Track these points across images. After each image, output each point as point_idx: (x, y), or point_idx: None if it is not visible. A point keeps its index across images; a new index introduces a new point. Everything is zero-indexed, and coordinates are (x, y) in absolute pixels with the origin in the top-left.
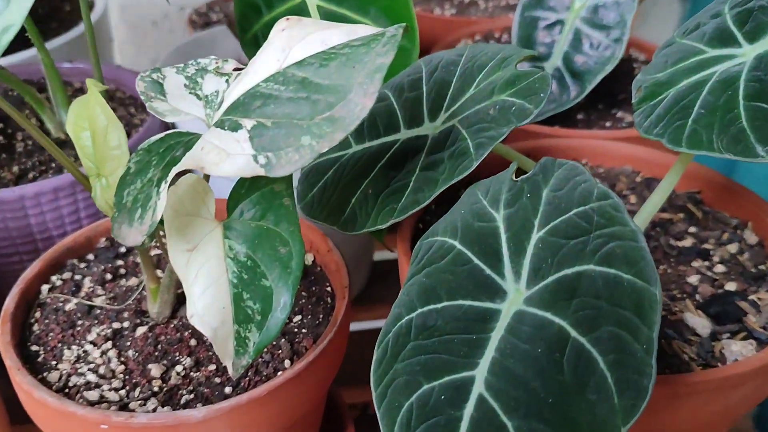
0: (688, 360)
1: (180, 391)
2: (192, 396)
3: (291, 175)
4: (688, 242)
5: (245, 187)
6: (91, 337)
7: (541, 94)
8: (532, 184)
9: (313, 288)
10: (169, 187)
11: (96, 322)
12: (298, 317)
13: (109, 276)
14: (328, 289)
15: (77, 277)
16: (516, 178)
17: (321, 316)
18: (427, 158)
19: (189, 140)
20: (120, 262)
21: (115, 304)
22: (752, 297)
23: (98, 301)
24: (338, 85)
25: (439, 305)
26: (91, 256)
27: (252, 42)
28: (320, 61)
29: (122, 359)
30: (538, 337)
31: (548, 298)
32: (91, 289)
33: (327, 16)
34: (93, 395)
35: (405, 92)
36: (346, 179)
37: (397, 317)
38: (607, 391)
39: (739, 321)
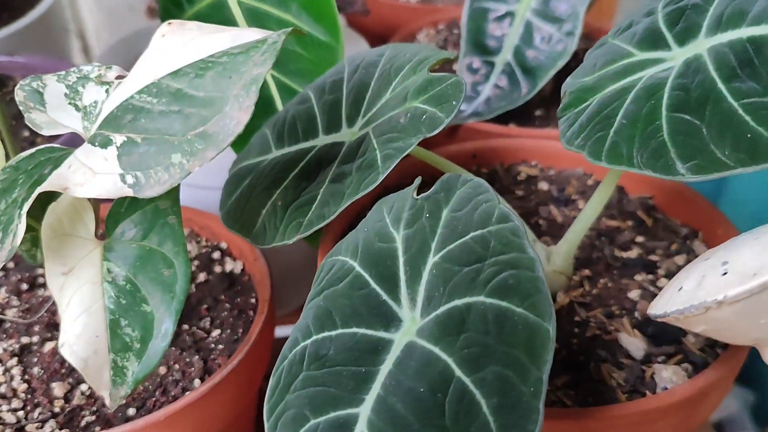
0: (615, 386)
1: (82, 413)
2: (93, 418)
3: (177, 191)
4: (633, 253)
5: (125, 205)
6: None
7: (453, 102)
8: (432, 203)
9: (238, 299)
10: (28, 210)
11: (5, 336)
12: (217, 332)
13: (25, 286)
14: (253, 300)
15: None
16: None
17: (240, 330)
18: (338, 169)
19: (60, 156)
20: (40, 271)
21: (28, 316)
22: None
23: (11, 313)
24: (214, 97)
25: (333, 332)
26: (11, 264)
27: None
28: (196, 71)
29: (26, 377)
30: (423, 374)
31: (437, 331)
32: (6, 300)
33: (249, 12)
34: None
35: (325, 94)
36: (260, 188)
37: (294, 343)
38: None
39: (678, 342)
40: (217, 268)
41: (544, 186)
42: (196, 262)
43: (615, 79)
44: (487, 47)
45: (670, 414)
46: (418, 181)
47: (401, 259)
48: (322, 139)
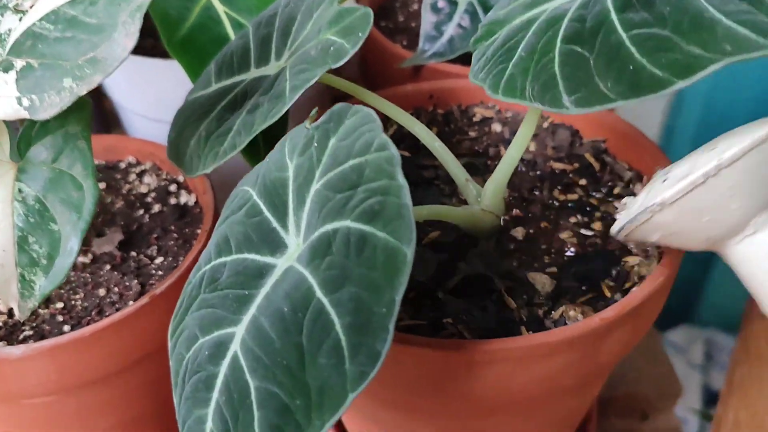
0: (521, 323)
1: (22, 327)
2: (31, 333)
3: (87, 116)
4: (574, 196)
5: (35, 128)
6: None
7: (360, 33)
8: (321, 133)
9: (186, 230)
10: None
11: None
12: (160, 259)
13: None
14: (199, 231)
15: None
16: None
17: (181, 258)
18: (255, 100)
19: None
20: None
21: None
22: (623, 259)
23: None
24: (104, 24)
25: (228, 258)
26: None
27: None
28: None
29: None
30: (289, 295)
31: (309, 255)
32: None
33: None
34: None
35: (261, 28)
36: (192, 119)
37: (197, 268)
38: (339, 355)
39: (596, 284)
40: (172, 200)
41: (497, 128)
42: (153, 194)
43: (523, 11)
44: None
45: (561, 352)
46: (314, 111)
47: (291, 187)
48: (253, 72)
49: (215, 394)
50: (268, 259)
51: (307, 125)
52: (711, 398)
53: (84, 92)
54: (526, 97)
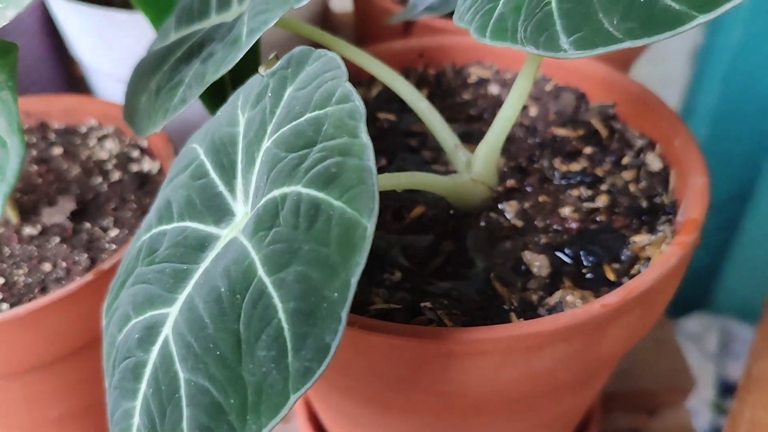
0: (511, 307)
1: None
2: None
3: (13, 62)
4: (577, 166)
5: None
6: None
7: None
8: (277, 80)
9: (147, 200)
10: None
11: None
12: (116, 231)
13: None
14: None
15: None
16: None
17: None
18: (211, 48)
19: None
20: None
21: None
22: (630, 239)
23: None
24: None
25: (168, 226)
26: None
27: None
28: None
29: None
30: (228, 272)
31: (253, 225)
32: None
33: None
34: None
35: None
36: (146, 74)
37: (138, 236)
38: (281, 347)
39: (599, 265)
40: (134, 167)
41: (495, 90)
42: (114, 161)
43: None
44: None
45: (555, 343)
46: (272, 55)
47: (240, 145)
48: (213, 20)
49: (143, 386)
50: (211, 229)
51: (262, 72)
52: (725, 390)
53: None
54: (517, 40)
